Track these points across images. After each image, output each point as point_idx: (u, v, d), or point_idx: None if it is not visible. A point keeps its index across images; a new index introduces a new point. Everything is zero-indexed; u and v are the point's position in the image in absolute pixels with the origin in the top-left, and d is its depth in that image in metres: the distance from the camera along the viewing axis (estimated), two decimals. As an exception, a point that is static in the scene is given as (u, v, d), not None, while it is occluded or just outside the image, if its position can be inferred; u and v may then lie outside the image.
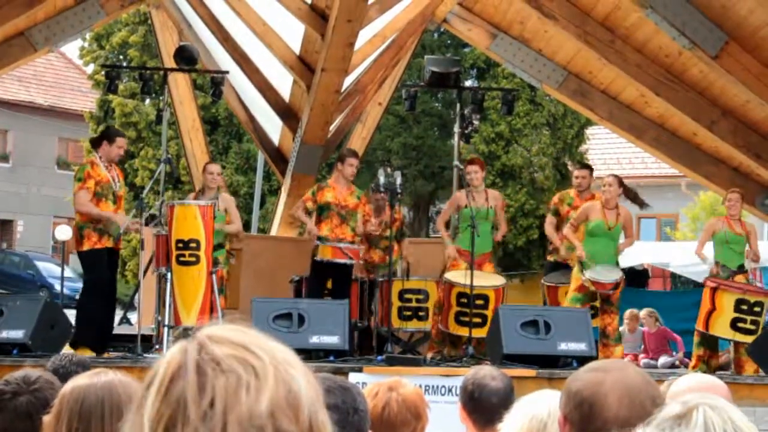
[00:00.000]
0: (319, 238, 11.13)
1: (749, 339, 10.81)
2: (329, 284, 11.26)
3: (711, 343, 11.11)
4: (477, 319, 10.70)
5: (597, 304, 10.93)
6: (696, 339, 11.16)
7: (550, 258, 12.31)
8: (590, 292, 10.81)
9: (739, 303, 10.77)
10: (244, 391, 1.31)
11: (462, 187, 11.94)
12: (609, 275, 10.79)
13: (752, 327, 10.79)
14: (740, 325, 10.76)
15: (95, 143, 10.55)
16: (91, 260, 10.27)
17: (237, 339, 1.35)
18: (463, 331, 10.75)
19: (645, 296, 17.12)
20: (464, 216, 11.23)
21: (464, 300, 10.69)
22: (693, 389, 2.86)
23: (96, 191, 10.18)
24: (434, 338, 11.28)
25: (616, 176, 11.30)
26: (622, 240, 11.13)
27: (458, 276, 10.96)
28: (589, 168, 12.61)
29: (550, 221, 12.19)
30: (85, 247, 10.20)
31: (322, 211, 11.27)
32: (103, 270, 10.27)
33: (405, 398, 3.57)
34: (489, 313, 10.70)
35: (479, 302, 10.75)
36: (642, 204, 11.39)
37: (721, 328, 10.81)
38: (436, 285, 11.24)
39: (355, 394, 2.87)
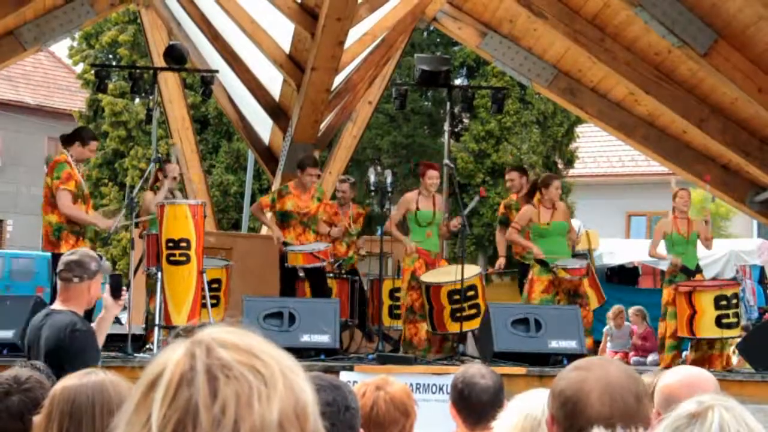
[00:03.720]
0: (285, 244, 11.20)
1: (734, 332, 10.93)
2: (306, 287, 11.32)
3: (692, 345, 11.17)
4: (473, 311, 10.73)
5: (563, 301, 11.01)
6: (669, 343, 11.16)
7: (523, 261, 12.34)
8: (555, 290, 10.92)
9: (718, 300, 10.82)
10: (256, 400, 1.29)
11: (452, 185, 11.96)
12: (576, 263, 11.05)
13: (735, 320, 10.91)
14: (724, 321, 10.80)
15: (67, 142, 10.16)
16: None
17: (243, 344, 1.33)
18: (465, 326, 10.74)
19: (635, 293, 17.17)
20: (421, 218, 11.27)
21: (457, 296, 10.69)
22: (683, 382, 2.87)
23: (73, 192, 9.94)
24: (420, 345, 11.14)
25: (518, 169, 12.21)
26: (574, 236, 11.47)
27: (437, 275, 10.96)
28: (521, 170, 12.81)
29: (499, 232, 12.40)
30: (63, 249, 9.87)
31: (284, 218, 11.36)
32: None
33: (393, 396, 3.58)
34: (481, 301, 10.74)
35: (470, 293, 10.76)
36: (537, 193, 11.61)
37: (707, 329, 10.84)
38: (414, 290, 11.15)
39: (346, 392, 2.88)
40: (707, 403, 1.82)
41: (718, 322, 10.77)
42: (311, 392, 1.34)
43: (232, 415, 1.27)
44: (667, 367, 10.96)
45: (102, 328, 5.75)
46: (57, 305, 5.65)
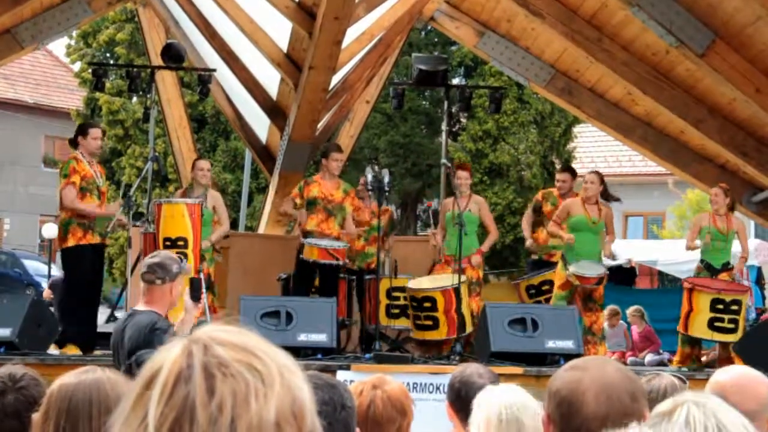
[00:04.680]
0: (305, 235, 11.11)
1: (729, 338, 10.83)
2: (316, 281, 11.25)
3: (694, 340, 11.15)
4: (428, 322, 10.75)
5: (578, 304, 10.94)
6: (681, 336, 11.21)
7: (534, 256, 12.37)
8: (573, 288, 10.84)
9: (714, 303, 10.78)
10: (254, 398, 1.28)
11: (449, 185, 11.98)
12: (593, 270, 10.83)
13: (731, 326, 10.77)
14: (717, 324, 10.75)
15: (72, 143, 10.37)
16: (76, 257, 10.08)
17: (240, 342, 1.33)
18: (420, 335, 10.90)
19: (632, 294, 17.16)
20: (448, 219, 11.29)
21: (415, 303, 10.88)
22: (734, 382, 2.86)
23: (81, 186, 10.06)
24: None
25: (597, 173, 11.36)
26: (606, 239, 11.21)
27: (414, 281, 11.08)
28: (571, 171, 12.61)
29: (527, 215, 12.35)
30: (70, 243, 10.03)
31: (309, 205, 11.26)
32: (86, 267, 10.10)
33: (390, 395, 3.58)
34: (439, 315, 10.72)
35: (426, 305, 10.77)
36: (615, 198, 11.45)
37: (699, 328, 10.84)
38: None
39: (342, 390, 2.90)
40: (680, 400, 1.84)
41: (711, 325, 10.77)
42: (309, 391, 1.34)
43: (229, 413, 1.27)
44: (682, 362, 11.01)
45: (183, 330, 5.81)
46: (140, 306, 5.81)
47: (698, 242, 11.28)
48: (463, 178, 11.41)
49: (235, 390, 1.28)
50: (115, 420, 1.34)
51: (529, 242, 12.19)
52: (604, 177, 11.37)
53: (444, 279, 10.89)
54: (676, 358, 11.37)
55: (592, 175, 11.23)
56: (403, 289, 11.31)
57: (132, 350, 5.54)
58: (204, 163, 11.29)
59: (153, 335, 5.51)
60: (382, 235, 11.46)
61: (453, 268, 10.91)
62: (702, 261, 11.39)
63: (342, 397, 2.86)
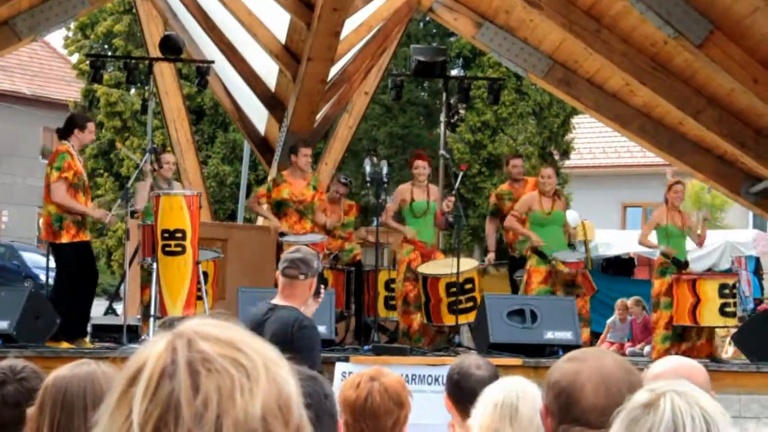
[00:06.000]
0: (281, 234, 11.18)
1: (733, 322, 11.08)
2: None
3: (683, 336, 11.17)
4: (470, 303, 10.76)
5: (558, 292, 11.01)
6: (663, 333, 11.18)
7: (514, 253, 12.31)
8: (554, 280, 10.93)
9: (722, 288, 10.89)
10: (239, 393, 1.27)
11: (448, 176, 11.97)
12: (572, 256, 11.16)
13: (734, 309, 11.04)
14: (727, 309, 10.88)
15: (65, 133, 10.13)
16: (71, 253, 9.98)
17: (224, 336, 1.31)
18: (461, 319, 10.80)
19: (631, 285, 17.18)
20: (416, 209, 11.30)
21: (454, 289, 10.71)
22: (671, 371, 2.87)
23: (73, 183, 9.93)
24: (414, 334, 11.19)
25: (554, 167, 11.73)
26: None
27: (435, 267, 10.98)
28: (521, 157, 13.19)
29: (490, 221, 12.51)
30: (64, 239, 9.93)
31: (280, 207, 11.33)
32: (83, 262, 10.05)
33: (387, 387, 3.58)
34: (477, 295, 10.76)
35: (468, 287, 10.79)
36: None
37: (710, 316, 10.89)
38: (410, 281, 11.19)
39: (322, 381, 2.96)
40: (659, 390, 1.82)
41: (722, 311, 10.83)
42: (295, 384, 1.33)
43: (214, 409, 1.26)
44: (660, 357, 11.01)
45: None
46: (278, 300, 5.79)
47: (661, 246, 11.41)
48: (420, 167, 11.46)
49: (220, 386, 1.27)
50: (100, 417, 1.32)
51: (490, 256, 12.45)
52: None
53: (451, 263, 10.90)
54: (654, 356, 11.32)
55: (549, 170, 11.62)
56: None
57: (276, 346, 5.50)
58: (170, 157, 11.98)
59: (300, 333, 5.56)
60: (354, 228, 11.68)
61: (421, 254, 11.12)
62: (664, 255, 11.41)
63: (323, 387, 2.90)
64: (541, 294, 10.89)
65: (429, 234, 11.33)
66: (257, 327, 5.69)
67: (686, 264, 11.52)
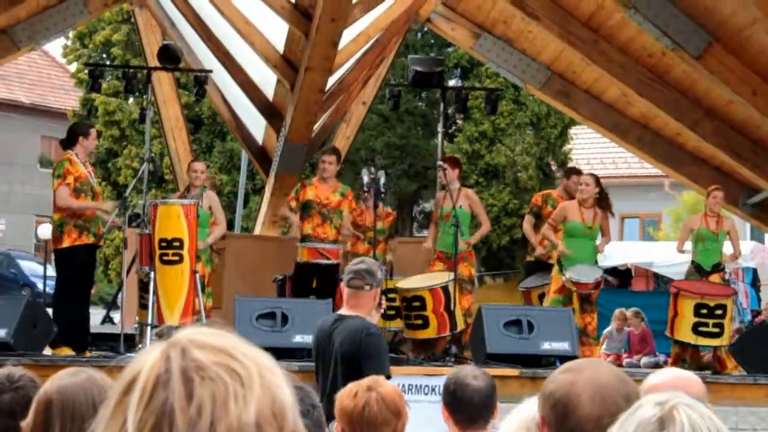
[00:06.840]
0: (301, 238, 11.15)
1: (714, 342, 10.89)
2: (315, 284, 11.25)
3: (683, 342, 11.18)
4: (418, 321, 10.70)
5: (575, 305, 10.89)
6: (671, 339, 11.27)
7: (530, 257, 12.35)
8: (570, 292, 10.83)
9: (698, 308, 10.80)
10: (233, 401, 1.27)
11: (444, 186, 11.99)
12: (589, 275, 10.80)
13: (716, 330, 10.80)
14: (702, 329, 10.78)
15: (68, 142, 10.22)
16: (70, 257, 10.03)
17: (219, 344, 1.32)
18: (411, 334, 10.87)
19: (628, 296, 17.17)
20: (441, 214, 11.31)
21: (405, 304, 10.83)
22: (668, 383, 2.87)
23: (75, 187, 10.00)
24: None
25: (593, 175, 11.31)
26: (599, 240, 11.17)
27: (417, 281, 11.03)
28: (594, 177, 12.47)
29: (528, 220, 12.24)
30: (65, 243, 9.99)
31: (305, 209, 11.26)
32: (81, 267, 10.08)
33: (384, 397, 3.58)
34: (428, 314, 10.63)
35: (416, 304, 10.74)
36: (609, 208, 11.27)
37: (684, 333, 10.91)
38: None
39: (309, 391, 3.01)
40: (669, 403, 1.78)
41: (695, 329, 10.80)
42: (290, 392, 1.33)
43: (208, 416, 1.26)
44: (673, 363, 11.04)
45: None
46: (344, 311, 5.94)
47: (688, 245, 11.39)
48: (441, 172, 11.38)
49: (214, 393, 1.27)
50: (95, 426, 1.33)
51: (538, 250, 11.93)
52: (600, 180, 11.33)
53: (435, 277, 10.88)
54: (670, 360, 11.42)
55: (588, 177, 11.18)
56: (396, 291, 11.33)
57: (346, 354, 5.72)
58: (198, 165, 11.31)
59: (369, 340, 5.72)
60: (386, 237, 11.52)
61: (443, 265, 10.98)
62: (693, 262, 11.43)
63: (310, 397, 2.93)
64: (552, 304, 10.82)
65: (448, 242, 11.13)
66: (325, 337, 5.89)
67: (715, 270, 11.42)
